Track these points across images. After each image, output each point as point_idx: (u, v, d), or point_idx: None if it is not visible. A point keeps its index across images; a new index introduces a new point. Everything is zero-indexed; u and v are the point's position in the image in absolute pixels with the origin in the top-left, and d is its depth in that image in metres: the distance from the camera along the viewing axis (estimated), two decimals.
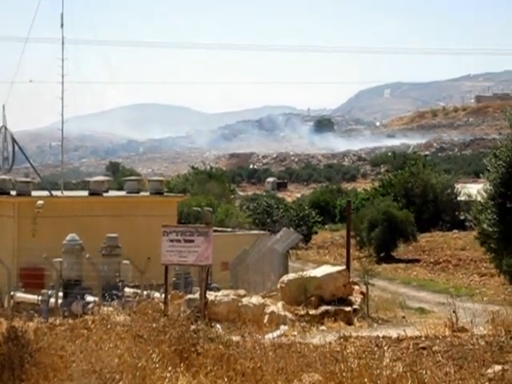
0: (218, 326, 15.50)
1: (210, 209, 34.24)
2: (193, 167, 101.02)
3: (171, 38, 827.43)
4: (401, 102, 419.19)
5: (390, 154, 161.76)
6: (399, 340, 12.56)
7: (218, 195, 67.41)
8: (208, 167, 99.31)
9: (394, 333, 13.49)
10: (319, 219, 70.06)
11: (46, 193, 36.17)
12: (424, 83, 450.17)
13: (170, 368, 10.12)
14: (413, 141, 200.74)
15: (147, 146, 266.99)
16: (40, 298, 24.48)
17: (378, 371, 9.10)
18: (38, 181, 44.27)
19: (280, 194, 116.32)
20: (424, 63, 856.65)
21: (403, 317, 20.72)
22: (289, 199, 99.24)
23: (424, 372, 9.05)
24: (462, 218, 59.52)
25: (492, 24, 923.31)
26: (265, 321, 16.90)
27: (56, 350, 11.20)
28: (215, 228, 30.03)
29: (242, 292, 19.83)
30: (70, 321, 16.56)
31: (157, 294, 21.09)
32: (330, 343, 11.97)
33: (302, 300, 18.68)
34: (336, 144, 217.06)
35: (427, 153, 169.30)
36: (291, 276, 20.23)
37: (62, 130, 39.57)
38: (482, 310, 14.56)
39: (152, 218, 32.14)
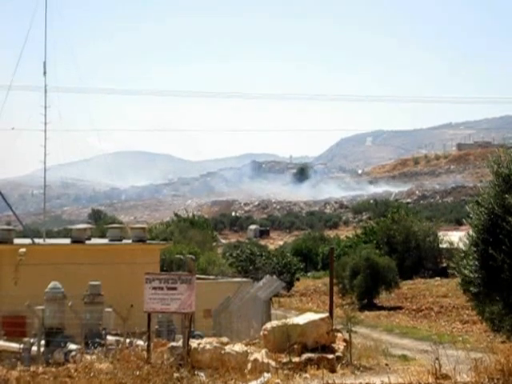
0: (202, 373, 15.48)
1: (193, 256, 34.27)
2: (176, 214, 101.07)
3: (152, 85, 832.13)
4: (383, 149, 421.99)
5: (372, 201, 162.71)
6: None
7: (200, 243, 67.40)
8: (190, 214, 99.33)
9: (377, 380, 13.52)
10: (302, 266, 70.14)
11: (28, 240, 36.12)
12: (406, 131, 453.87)
13: None
14: (395, 188, 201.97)
15: (129, 194, 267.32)
16: (22, 346, 24.32)
17: None
18: (20, 228, 44.15)
19: (263, 242, 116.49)
20: (405, 111, 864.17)
21: (386, 364, 20.69)
22: (271, 246, 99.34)
23: None
24: (444, 265, 59.77)
25: (471, 74, 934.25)
26: (248, 368, 16.87)
27: None
28: (198, 276, 30.04)
29: (225, 339, 19.79)
30: (53, 369, 16.51)
31: (140, 342, 21.01)
32: None
33: (285, 347, 18.66)
34: (318, 191, 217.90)
35: (409, 200, 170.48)
36: (274, 323, 20.22)
37: (45, 178, 39.57)
38: (465, 357, 14.59)
39: (135, 265, 32.13)
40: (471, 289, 17.87)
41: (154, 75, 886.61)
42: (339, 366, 18.40)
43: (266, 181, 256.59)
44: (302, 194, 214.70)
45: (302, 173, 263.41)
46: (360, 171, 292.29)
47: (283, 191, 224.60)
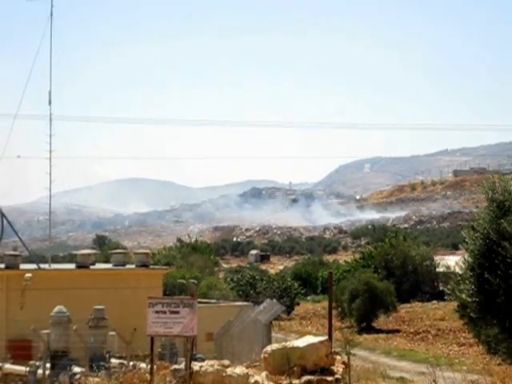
0: None
1: (195, 281, 34.78)
2: (179, 239, 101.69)
3: (156, 114, 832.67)
4: (380, 176, 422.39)
5: (370, 226, 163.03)
6: None
7: (201, 267, 67.83)
8: (193, 240, 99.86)
9: None
10: (301, 291, 70.47)
11: (33, 266, 36.36)
12: (403, 158, 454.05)
13: None
14: (392, 214, 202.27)
15: (133, 220, 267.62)
16: (28, 369, 24.63)
17: None
18: (26, 254, 44.49)
19: (263, 266, 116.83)
20: (403, 138, 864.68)
21: None
22: (272, 271, 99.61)
23: None
24: (440, 288, 60.15)
25: (467, 101, 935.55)
26: None
27: None
28: (200, 300, 30.46)
29: (226, 362, 20.19)
30: None
31: (143, 365, 21.38)
32: None
33: (285, 370, 19.04)
34: (317, 217, 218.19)
35: (406, 225, 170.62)
36: (274, 346, 20.62)
37: (50, 205, 39.86)
38: (462, 379, 14.90)
39: (138, 289, 32.47)
40: (468, 312, 18.26)
41: (155, 103, 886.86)
42: None
43: (266, 207, 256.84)
44: (302, 220, 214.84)
45: (301, 199, 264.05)
46: (358, 197, 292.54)
47: (283, 217, 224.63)
